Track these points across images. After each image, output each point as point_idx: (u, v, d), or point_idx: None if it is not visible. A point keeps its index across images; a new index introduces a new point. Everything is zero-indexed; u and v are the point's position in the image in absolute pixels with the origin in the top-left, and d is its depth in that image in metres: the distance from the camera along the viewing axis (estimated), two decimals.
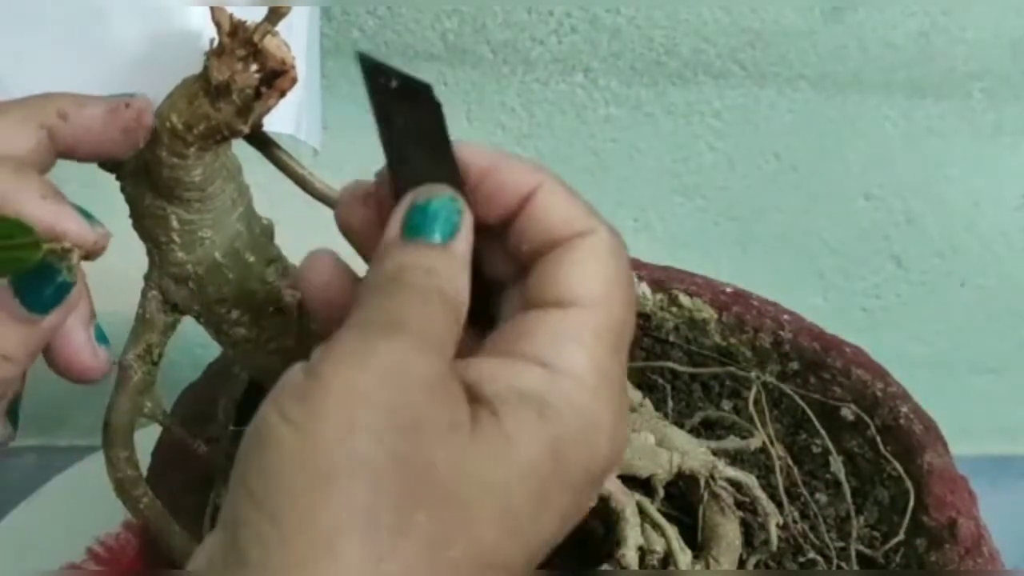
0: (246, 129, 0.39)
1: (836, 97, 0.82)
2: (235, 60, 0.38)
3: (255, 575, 0.30)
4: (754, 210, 0.87)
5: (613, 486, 0.49)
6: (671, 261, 0.66)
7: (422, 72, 0.37)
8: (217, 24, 0.38)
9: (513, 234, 0.36)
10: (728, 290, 0.64)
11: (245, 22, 0.38)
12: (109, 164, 0.42)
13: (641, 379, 0.61)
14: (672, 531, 0.50)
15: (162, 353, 0.45)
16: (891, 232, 0.89)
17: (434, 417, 0.31)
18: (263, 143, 0.44)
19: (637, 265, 0.64)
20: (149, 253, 0.43)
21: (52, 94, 0.40)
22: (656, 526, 0.49)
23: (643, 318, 0.64)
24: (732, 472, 0.52)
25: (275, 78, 0.38)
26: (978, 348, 0.94)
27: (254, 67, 0.38)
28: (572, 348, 0.34)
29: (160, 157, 0.40)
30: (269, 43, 0.38)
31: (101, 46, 0.45)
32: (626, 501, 0.49)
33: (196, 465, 0.53)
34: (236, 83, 0.38)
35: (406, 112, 0.36)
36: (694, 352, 0.62)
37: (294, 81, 0.38)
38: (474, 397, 0.33)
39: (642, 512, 0.50)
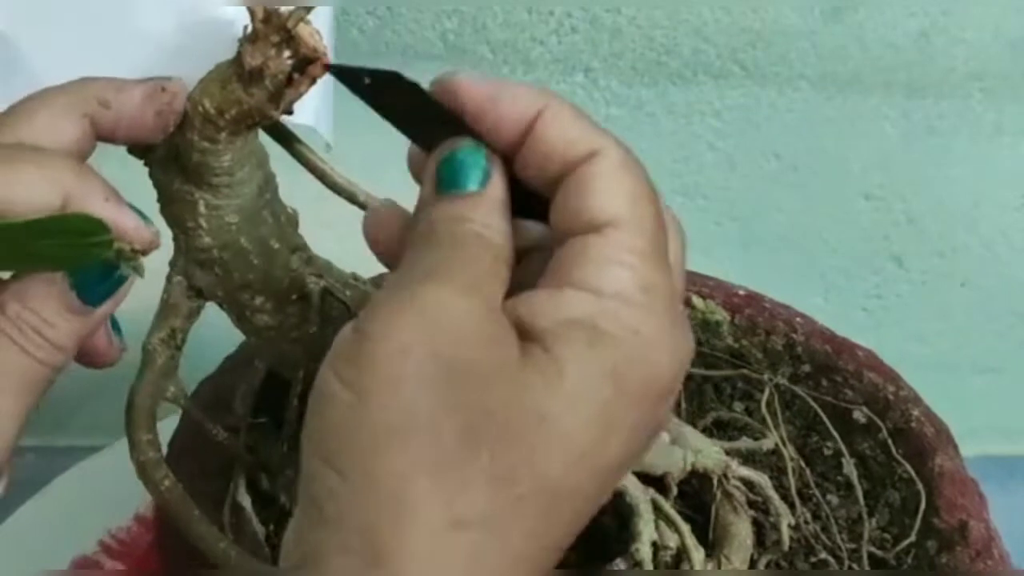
0: (277, 115, 0.40)
1: (837, 97, 0.82)
2: (269, 46, 0.38)
3: (332, 528, 0.31)
4: (755, 210, 0.87)
5: (628, 482, 0.49)
6: None
7: (422, 72, 0.37)
8: (251, 11, 0.38)
9: (523, 164, 0.36)
10: (741, 292, 0.64)
11: (278, 9, 0.38)
12: (139, 150, 0.42)
13: None
14: (686, 528, 0.50)
15: (185, 338, 0.46)
16: (892, 232, 0.89)
17: (481, 358, 0.32)
18: (284, 137, 0.44)
19: None
20: (175, 239, 0.44)
21: (90, 79, 0.40)
22: (670, 523, 0.50)
23: None
24: (745, 471, 0.52)
25: (307, 65, 0.39)
26: (979, 348, 0.94)
27: (287, 53, 0.38)
28: (614, 270, 0.33)
29: (191, 141, 0.41)
30: (302, 30, 0.38)
31: (135, 35, 0.46)
32: (641, 497, 0.49)
33: (214, 452, 0.53)
34: (269, 68, 0.39)
35: (394, 99, 0.37)
36: (707, 354, 0.62)
37: (326, 68, 0.39)
38: (524, 334, 0.33)
39: (656, 508, 0.50)
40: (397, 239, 0.37)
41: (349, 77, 0.37)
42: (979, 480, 0.57)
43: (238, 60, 0.39)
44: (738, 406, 0.61)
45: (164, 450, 0.47)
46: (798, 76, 0.81)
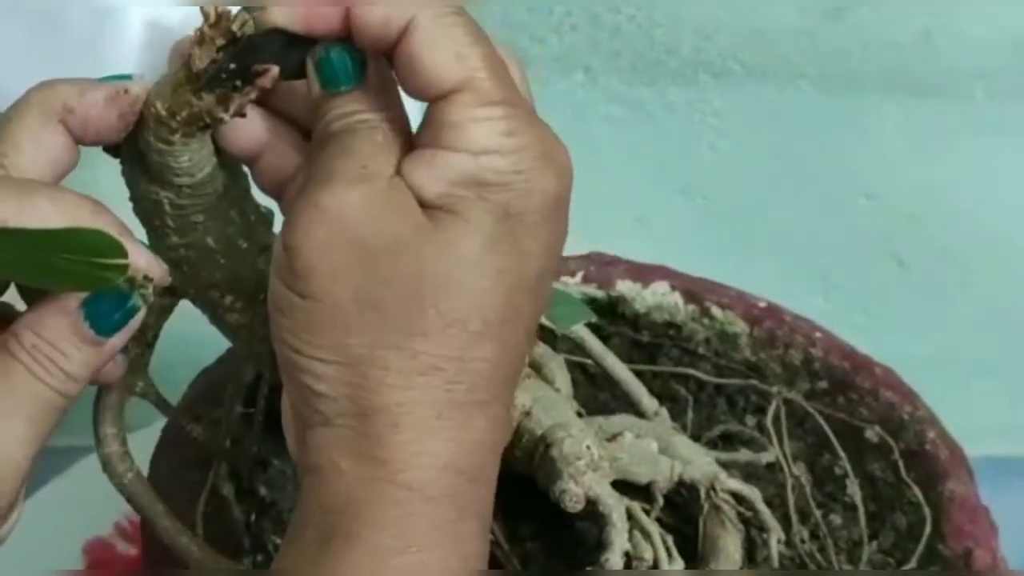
0: (227, 118, 0.40)
1: (837, 96, 0.82)
2: (214, 49, 0.38)
3: (322, 399, 0.37)
4: (754, 210, 0.87)
5: (602, 489, 0.48)
6: (671, 261, 0.66)
7: None
8: (204, 13, 0.38)
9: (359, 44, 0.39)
10: (761, 304, 0.64)
11: (228, 12, 0.38)
12: (112, 149, 0.42)
13: (664, 389, 0.61)
14: (659, 537, 0.49)
15: (157, 335, 0.46)
16: (892, 232, 0.89)
17: (394, 231, 0.37)
18: None
19: (669, 275, 0.64)
20: (148, 236, 0.44)
21: (52, 84, 0.41)
22: (646, 533, 0.49)
23: (674, 328, 0.63)
24: (735, 484, 0.51)
25: (258, 73, 0.39)
26: (979, 348, 0.94)
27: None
28: (474, 128, 0.37)
29: (149, 142, 0.41)
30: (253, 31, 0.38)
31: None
32: (614, 505, 0.49)
33: (195, 445, 0.54)
34: (212, 69, 0.39)
35: (268, 57, 0.39)
36: (723, 366, 0.62)
37: (274, 78, 0.39)
38: (422, 201, 0.37)
39: (633, 518, 0.49)
40: (253, 135, 0.41)
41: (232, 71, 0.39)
42: (979, 480, 0.57)
43: (187, 63, 0.39)
44: (750, 420, 0.60)
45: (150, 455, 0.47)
46: (799, 75, 0.81)
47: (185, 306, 0.47)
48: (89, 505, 0.71)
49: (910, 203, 0.87)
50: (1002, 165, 0.86)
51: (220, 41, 0.38)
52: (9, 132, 0.40)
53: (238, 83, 0.39)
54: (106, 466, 0.47)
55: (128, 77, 0.41)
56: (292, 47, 0.39)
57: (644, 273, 0.64)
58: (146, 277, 0.40)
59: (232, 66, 0.39)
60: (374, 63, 0.39)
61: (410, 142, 0.39)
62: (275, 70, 0.39)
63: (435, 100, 0.38)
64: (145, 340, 0.46)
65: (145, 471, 0.50)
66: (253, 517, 0.54)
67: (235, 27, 0.38)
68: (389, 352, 0.37)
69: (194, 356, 0.60)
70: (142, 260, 0.40)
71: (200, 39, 0.38)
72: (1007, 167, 0.86)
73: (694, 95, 0.81)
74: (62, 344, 0.39)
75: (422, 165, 0.38)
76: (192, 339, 0.63)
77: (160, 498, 0.48)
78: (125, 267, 0.38)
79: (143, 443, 0.50)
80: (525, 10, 0.77)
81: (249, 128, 0.41)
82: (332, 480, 0.37)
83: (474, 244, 0.37)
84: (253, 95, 0.40)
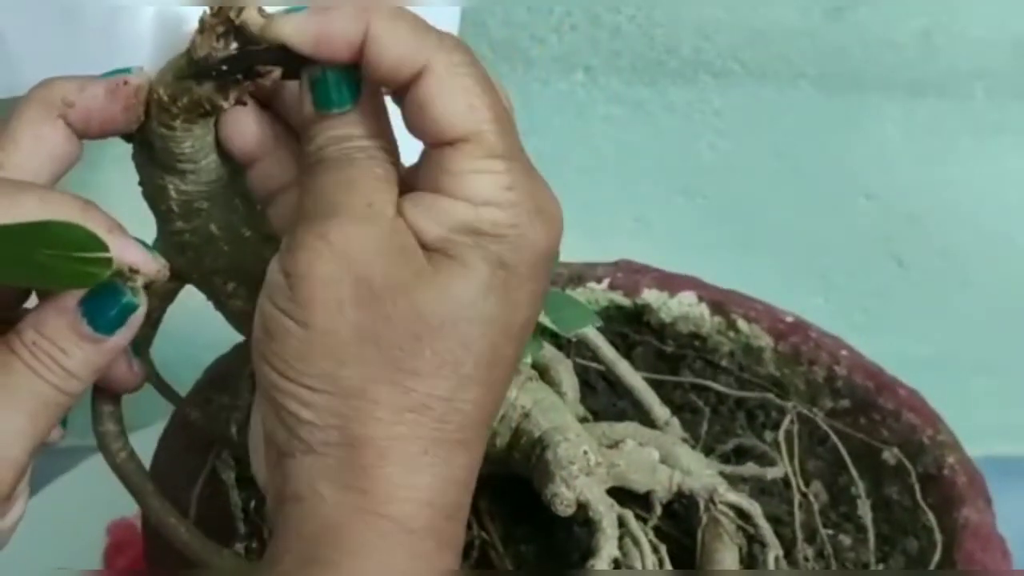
0: (227, 105, 0.40)
1: (837, 96, 0.82)
2: (215, 37, 0.39)
3: (309, 428, 0.37)
4: (755, 210, 0.87)
5: (593, 496, 0.48)
6: (671, 261, 0.66)
7: None
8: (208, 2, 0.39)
9: (372, 81, 0.39)
10: (788, 319, 0.63)
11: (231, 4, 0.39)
12: (124, 135, 0.43)
13: (684, 399, 0.60)
14: (648, 546, 0.48)
15: (160, 318, 0.46)
16: (892, 232, 0.89)
17: (400, 273, 0.37)
18: None
19: (697, 286, 0.64)
20: (156, 221, 0.44)
21: (53, 81, 0.42)
22: (636, 541, 0.49)
23: (699, 340, 0.63)
24: (734, 497, 0.51)
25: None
26: (980, 348, 0.94)
27: (234, 45, 0.39)
28: (476, 179, 0.38)
29: (152, 127, 0.41)
30: (252, 24, 0.39)
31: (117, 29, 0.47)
32: (605, 512, 0.48)
33: (199, 431, 0.55)
34: (214, 60, 0.39)
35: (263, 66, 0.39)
36: (745, 380, 0.62)
37: (276, 77, 0.40)
38: (422, 243, 0.38)
39: (625, 525, 0.49)
40: (253, 138, 0.41)
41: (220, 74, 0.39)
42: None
43: (188, 50, 0.40)
44: (768, 435, 0.59)
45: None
46: (799, 75, 0.81)
47: (185, 306, 0.48)
48: (89, 505, 0.72)
49: (910, 203, 0.87)
50: (1002, 165, 0.86)
51: (220, 29, 0.39)
52: (8, 130, 0.41)
53: (238, 76, 0.39)
54: (101, 444, 0.47)
55: (128, 71, 0.41)
56: (294, 56, 0.39)
57: (672, 282, 0.64)
58: (132, 269, 0.40)
59: (232, 62, 0.39)
60: (369, 86, 0.39)
61: (399, 173, 0.39)
62: (277, 71, 0.40)
63: (439, 146, 0.38)
64: (149, 322, 0.46)
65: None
66: (253, 504, 0.54)
67: (233, 15, 0.38)
68: (382, 387, 0.37)
69: (194, 357, 0.60)
70: (136, 256, 0.40)
71: (201, 27, 0.39)
72: (1007, 167, 0.86)
73: (694, 95, 0.81)
74: (62, 341, 0.40)
75: (423, 208, 0.38)
76: (193, 340, 0.64)
77: (155, 480, 0.48)
78: (108, 262, 0.38)
79: (143, 443, 0.50)
80: (525, 10, 0.77)
81: (248, 130, 0.42)
82: (313, 508, 0.38)
83: (471, 290, 0.38)
84: (252, 86, 0.40)
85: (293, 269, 0.38)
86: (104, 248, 0.38)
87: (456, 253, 0.38)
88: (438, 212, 0.38)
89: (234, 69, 0.39)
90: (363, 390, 0.37)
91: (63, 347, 0.40)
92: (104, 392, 0.46)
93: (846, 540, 0.56)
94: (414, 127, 0.39)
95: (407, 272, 0.38)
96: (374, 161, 0.39)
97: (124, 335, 0.41)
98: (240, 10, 0.38)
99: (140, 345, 0.46)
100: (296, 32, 0.38)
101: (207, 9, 0.39)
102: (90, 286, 0.39)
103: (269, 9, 0.39)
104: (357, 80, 0.39)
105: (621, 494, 0.50)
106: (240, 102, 0.41)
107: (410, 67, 0.38)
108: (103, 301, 0.40)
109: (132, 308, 0.40)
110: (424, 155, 0.39)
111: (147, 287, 0.41)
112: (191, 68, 0.40)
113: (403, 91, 0.38)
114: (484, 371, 0.38)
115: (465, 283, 0.38)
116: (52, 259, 0.37)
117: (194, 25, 0.39)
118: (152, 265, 0.41)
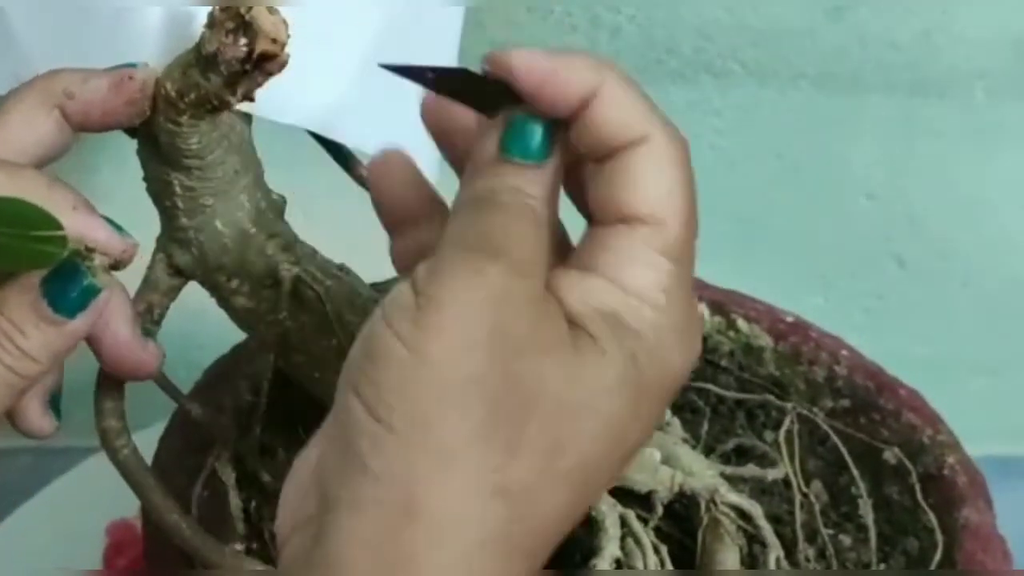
0: (235, 101, 0.41)
1: (838, 96, 0.82)
2: (224, 32, 0.39)
3: (372, 479, 0.32)
4: (755, 210, 0.87)
5: None
6: None
7: None
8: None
9: (577, 138, 0.36)
10: (788, 319, 0.63)
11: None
12: (128, 130, 0.43)
13: (683, 399, 0.60)
14: (650, 547, 0.48)
15: (163, 314, 0.47)
16: (892, 232, 0.89)
17: (540, 336, 0.34)
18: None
19: (698, 286, 0.63)
20: (160, 217, 0.45)
21: (58, 72, 0.42)
22: (639, 542, 0.48)
23: None
24: (735, 498, 0.51)
25: (266, 58, 0.39)
26: (979, 348, 0.94)
27: (243, 41, 0.39)
28: (638, 268, 0.35)
29: (158, 122, 0.42)
30: (264, 20, 0.39)
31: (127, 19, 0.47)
32: (607, 512, 0.48)
33: (200, 429, 0.55)
34: (223, 55, 0.39)
35: (458, 85, 0.37)
36: (745, 380, 0.61)
37: (283, 64, 0.39)
38: (566, 315, 0.35)
39: (627, 525, 0.49)
40: (400, 189, 0.39)
41: (414, 74, 0.37)
42: None
43: (197, 45, 0.40)
44: (768, 435, 0.59)
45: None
46: (799, 75, 0.81)
47: (185, 306, 0.48)
48: (89, 506, 0.72)
49: (910, 203, 0.87)
50: (1002, 165, 0.86)
51: (230, 25, 0.39)
52: (4, 110, 0.41)
53: (247, 67, 0.39)
54: (103, 441, 0.47)
55: (133, 66, 0.41)
56: (501, 91, 0.36)
57: None
58: (88, 248, 0.39)
59: (445, 81, 0.37)
60: (561, 146, 0.36)
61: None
62: (285, 56, 0.39)
63: (610, 223, 0.35)
64: (151, 317, 0.46)
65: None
66: (254, 504, 0.54)
67: (243, 11, 0.38)
68: (472, 450, 0.33)
69: (194, 357, 0.60)
70: (99, 233, 0.40)
71: (211, 22, 0.39)
72: (1007, 167, 0.86)
73: (694, 95, 0.81)
74: (21, 322, 0.39)
75: (572, 281, 0.35)
76: (193, 340, 0.64)
77: (155, 477, 0.48)
78: (63, 240, 0.37)
79: (144, 444, 0.50)
80: (525, 10, 0.77)
81: (410, 193, 0.39)
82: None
83: (606, 378, 0.34)
84: (261, 80, 0.40)
85: (434, 292, 0.33)
86: (58, 226, 0.37)
87: (597, 334, 0.34)
88: (587, 288, 0.35)
89: (441, 88, 0.37)
90: (451, 452, 0.32)
91: (21, 328, 0.39)
92: (107, 386, 0.46)
93: (847, 540, 0.56)
94: (600, 198, 0.36)
95: (548, 336, 0.34)
96: (545, 228, 0.36)
97: (87, 318, 0.40)
98: (248, 6, 0.38)
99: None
100: (525, 67, 0.35)
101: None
102: (48, 266, 0.38)
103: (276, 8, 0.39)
104: (553, 135, 0.36)
105: (623, 494, 0.50)
106: (247, 98, 0.41)
107: (630, 135, 0.35)
108: (64, 282, 0.39)
109: (94, 291, 0.40)
110: (588, 233, 0.36)
111: (115, 267, 0.41)
112: (200, 63, 0.39)
113: (605, 159, 0.36)
114: (580, 474, 0.34)
115: (601, 370, 0.34)
116: (8, 238, 0.37)
117: (203, 22, 0.39)
118: (117, 244, 0.40)
